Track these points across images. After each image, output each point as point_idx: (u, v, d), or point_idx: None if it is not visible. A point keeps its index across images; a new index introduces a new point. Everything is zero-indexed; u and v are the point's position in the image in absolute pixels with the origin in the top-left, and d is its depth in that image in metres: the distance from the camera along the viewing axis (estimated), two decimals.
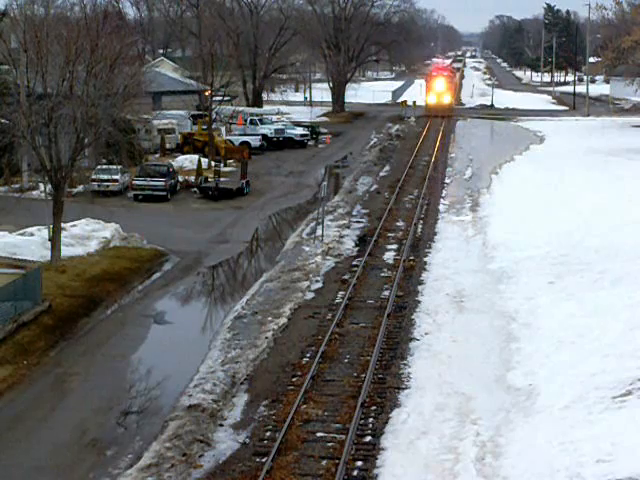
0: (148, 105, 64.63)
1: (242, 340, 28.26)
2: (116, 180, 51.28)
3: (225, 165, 62.32)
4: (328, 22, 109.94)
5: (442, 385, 24.14)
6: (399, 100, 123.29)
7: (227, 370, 25.53)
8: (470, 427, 21.42)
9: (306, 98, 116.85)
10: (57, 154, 35.26)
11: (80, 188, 49.66)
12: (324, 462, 19.98)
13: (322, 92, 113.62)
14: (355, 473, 19.65)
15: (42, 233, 38.24)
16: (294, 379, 24.77)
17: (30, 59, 35.82)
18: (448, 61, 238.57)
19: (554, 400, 22.36)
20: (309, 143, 79.87)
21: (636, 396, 21.61)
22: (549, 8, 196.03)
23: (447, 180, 60.57)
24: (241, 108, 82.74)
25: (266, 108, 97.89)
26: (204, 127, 66.44)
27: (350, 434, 20.90)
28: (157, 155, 64.98)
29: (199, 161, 57.57)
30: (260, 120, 77.97)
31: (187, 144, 67.28)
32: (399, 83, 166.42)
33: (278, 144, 75.84)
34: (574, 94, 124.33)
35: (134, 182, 51.46)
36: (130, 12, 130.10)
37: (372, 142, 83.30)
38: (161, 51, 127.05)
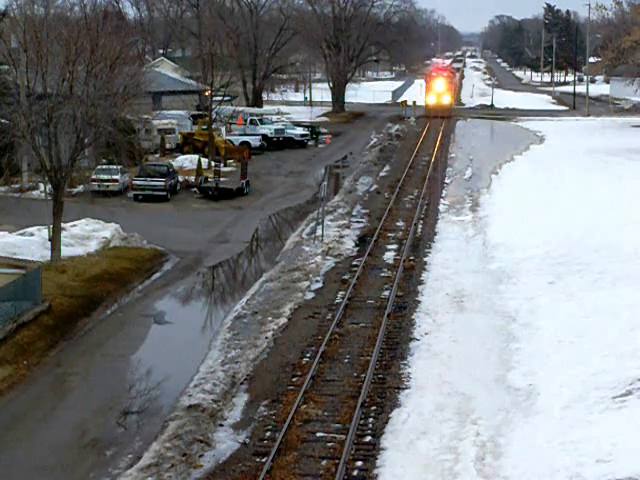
0: (148, 105, 64.59)
1: (242, 340, 28.27)
2: (116, 180, 51.26)
3: (225, 165, 62.32)
4: (328, 22, 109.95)
5: (442, 385, 24.14)
6: (399, 100, 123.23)
7: (227, 370, 25.53)
8: (470, 427, 21.42)
9: (306, 98, 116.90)
10: (57, 154, 35.27)
11: (80, 188, 49.64)
12: (324, 462, 19.97)
13: (322, 92, 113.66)
14: (355, 473, 19.64)
15: (42, 233, 38.25)
16: (294, 379, 24.76)
17: (30, 59, 35.81)
18: (448, 61, 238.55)
19: (554, 400, 22.36)
20: (309, 143, 79.87)
21: (636, 396, 21.62)
22: (549, 8, 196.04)
23: (447, 180, 60.57)
24: (241, 108, 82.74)
25: (266, 108, 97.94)
26: (204, 127, 66.43)
27: (350, 434, 20.89)
28: (157, 155, 64.99)
29: (199, 161, 57.58)
30: (260, 120, 77.97)
31: (187, 144, 67.28)
32: (399, 83, 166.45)
33: (278, 144, 75.84)
34: (574, 94, 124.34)
35: (134, 182, 51.47)
36: (130, 12, 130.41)
37: (372, 142, 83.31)
38: (161, 51, 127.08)
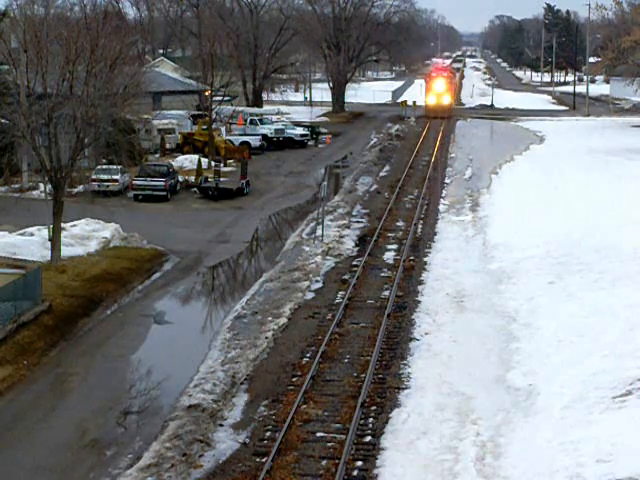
0: (148, 105, 64.62)
1: (242, 340, 28.26)
2: (116, 180, 51.26)
3: (225, 165, 62.31)
4: (328, 22, 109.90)
5: (442, 385, 24.14)
6: (399, 100, 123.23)
7: (227, 370, 25.53)
8: (470, 427, 21.43)
9: (306, 98, 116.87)
10: (57, 154, 35.26)
11: (80, 188, 49.64)
12: (324, 462, 19.98)
13: (322, 92, 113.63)
14: (355, 473, 19.65)
15: (42, 233, 38.25)
16: (294, 379, 24.76)
17: (30, 59, 35.82)
18: (448, 61, 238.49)
19: (554, 400, 22.36)
20: (309, 143, 79.85)
21: (636, 396, 21.62)
22: (549, 8, 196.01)
23: (447, 180, 60.57)
24: (241, 108, 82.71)
25: (266, 108, 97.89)
26: (204, 127, 66.44)
27: (350, 434, 20.89)
28: (157, 155, 64.98)
29: (199, 161, 57.57)
30: (260, 120, 77.94)
31: (187, 144, 67.27)
32: (399, 83, 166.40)
33: (278, 144, 75.83)
34: (574, 94, 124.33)
35: (134, 182, 51.47)
36: (130, 12, 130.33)
37: (372, 142, 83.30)
38: (161, 51, 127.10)
